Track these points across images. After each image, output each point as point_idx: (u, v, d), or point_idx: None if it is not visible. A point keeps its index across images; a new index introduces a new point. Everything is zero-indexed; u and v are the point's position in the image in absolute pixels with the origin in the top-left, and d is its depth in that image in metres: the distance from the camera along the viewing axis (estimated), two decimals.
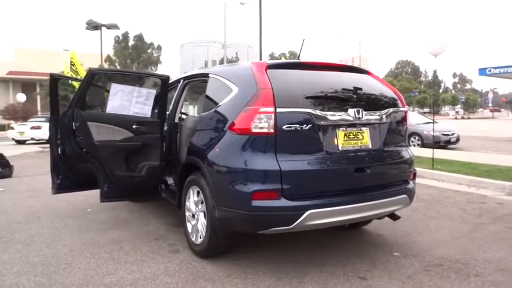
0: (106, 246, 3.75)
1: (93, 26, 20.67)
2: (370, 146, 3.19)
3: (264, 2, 14.39)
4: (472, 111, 73.38)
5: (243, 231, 3.18)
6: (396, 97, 3.52)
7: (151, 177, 4.19)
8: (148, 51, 50.64)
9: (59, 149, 4.17)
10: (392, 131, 3.37)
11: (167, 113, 4.42)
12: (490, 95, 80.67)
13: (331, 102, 3.09)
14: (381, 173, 3.24)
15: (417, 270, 3.14)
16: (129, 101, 4.02)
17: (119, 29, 20.94)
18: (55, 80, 4.19)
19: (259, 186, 2.78)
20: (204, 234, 3.31)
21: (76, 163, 4.14)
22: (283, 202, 2.78)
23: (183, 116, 4.81)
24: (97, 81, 4.30)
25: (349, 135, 3.10)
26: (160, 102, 4.23)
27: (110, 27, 20.84)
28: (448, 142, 13.87)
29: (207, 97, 3.60)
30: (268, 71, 3.07)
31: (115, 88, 3.94)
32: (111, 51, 47.05)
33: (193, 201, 3.54)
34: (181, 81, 4.39)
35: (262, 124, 2.82)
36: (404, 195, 3.30)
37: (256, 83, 2.97)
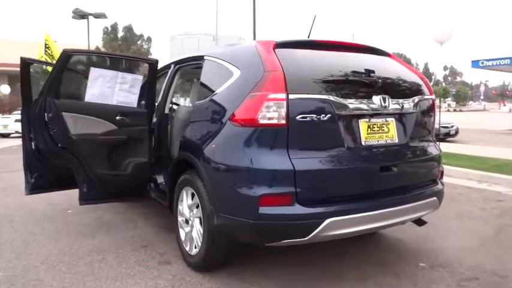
0: (85, 257, 3.23)
1: (80, 14, 19.91)
2: (397, 140, 2.70)
3: None
4: (462, 104, 73.53)
5: (248, 242, 2.68)
6: (422, 83, 3.03)
7: (138, 176, 3.66)
8: (138, 42, 49.53)
9: (33, 143, 3.62)
10: (419, 123, 2.89)
11: (156, 102, 3.88)
12: (482, 88, 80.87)
13: (352, 87, 2.59)
14: (409, 172, 2.76)
15: (450, 286, 2.68)
16: (111, 89, 3.48)
17: (106, 18, 20.17)
18: (26, 64, 3.62)
19: (268, 189, 2.28)
20: (200, 244, 2.80)
21: (52, 160, 3.59)
22: (298, 209, 2.28)
23: (175, 107, 4.28)
24: (74, 66, 3.73)
25: (373, 127, 2.60)
26: (148, 90, 3.69)
27: (97, 16, 20.08)
28: (448, 135, 13.58)
29: (202, 84, 3.08)
30: (276, 50, 2.56)
31: (94, 73, 3.40)
32: (100, 42, 45.91)
33: (186, 204, 3.03)
34: (172, 66, 3.85)
35: (272, 114, 2.32)
36: (434, 198, 2.83)
37: (262, 64, 2.45)
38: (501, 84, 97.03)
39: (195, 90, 3.59)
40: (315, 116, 2.36)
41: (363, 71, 2.69)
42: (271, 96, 2.32)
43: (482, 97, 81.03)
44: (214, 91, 2.82)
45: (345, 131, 2.48)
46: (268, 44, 2.62)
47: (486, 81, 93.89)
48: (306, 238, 2.30)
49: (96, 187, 3.55)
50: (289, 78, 2.35)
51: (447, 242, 3.52)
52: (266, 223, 2.29)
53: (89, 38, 20.21)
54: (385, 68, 2.93)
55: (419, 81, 3.03)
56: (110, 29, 48.40)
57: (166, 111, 3.89)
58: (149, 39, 50.82)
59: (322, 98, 2.40)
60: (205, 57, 3.18)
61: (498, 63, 19.05)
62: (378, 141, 2.61)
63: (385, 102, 2.60)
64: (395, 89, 2.80)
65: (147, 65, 3.63)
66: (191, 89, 4.42)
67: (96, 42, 43.84)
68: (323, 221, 2.26)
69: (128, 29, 49.20)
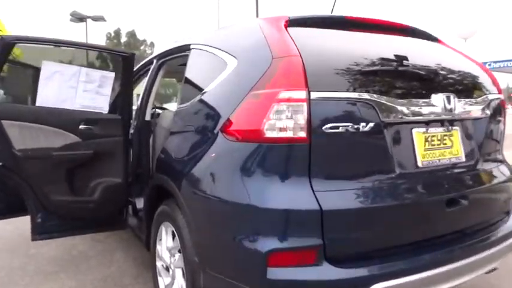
0: None
1: (78, 17, 19.33)
2: (463, 159, 1.88)
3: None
4: None
5: None
6: (488, 77, 2.20)
7: (110, 201, 2.85)
8: (141, 48, 49.35)
9: None
10: (488, 132, 2.06)
11: (134, 107, 3.08)
12: None
13: (401, 82, 1.77)
14: (481, 204, 1.92)
15: None
16: (72, 89, 2.67)
17: (105, 21, 19.53)
18: None
19: (281, 241, 1.46)
20: None
21: None
22: (327, 270, 1.45)
23: (159, 111, 3.47)
24: (19, 59, 2.94)
25: (432, 139, 1.77)
26: (123, 90, 2.89)
27: (96, 19, 19.50)
28: None
29: (188, 81, 2.27)
30: (289, 29, 1.74)
31: (48, 68, 2.59)
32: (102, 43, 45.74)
33: (165, 246, 2.21)
34: (155, 61, 3.05)
35: (285, 122, 1.50)
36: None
37: (270, 48, 1.64)
38: (505, 87, 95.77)
39: (180, 90, 2.79)
40: (350, 125, 1.53)
41: (414, 59, 1.87)
42: (284, 95, 1.50)
43: None
44: (202, 90, 2.02)
45: (394, 148, 1.65)
46: (277, 20, 1.81)
47: None
48: None
49: (54, 217, 2.73)
50: (311, 68, 1.54)
51: None
52: None
53: (87, 41, 19.54)
54: (439, 56, 2.11)
55: (484, 75, 2.19)
56: (113, 34, 48.35)
57: (148, 117, 3.09)
58: (152, 44, 50.65)
59: (361, 98, 1.57)
60: (191, 46, 2.37)
61: (506, 65, 18.83)
62: (439, 160, 1.78)
63: (449, 103, 1.77)
64: (458, 85, 1.97)
65: (120, 59, 2.82)
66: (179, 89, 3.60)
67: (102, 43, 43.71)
68: None
69: (131, 34, 49.33)
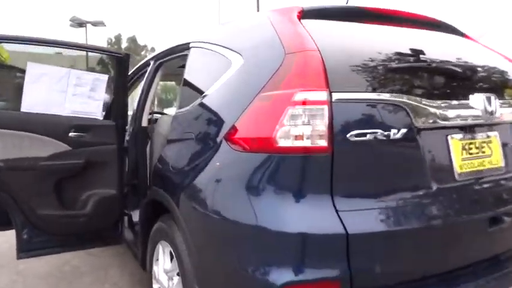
0: None
1: (78, 23, 19.23)
2: (504, 169, 1.63)
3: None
4: None
5: None
6: None
7: (103, 215, 2.61)
8: (142, 53, 49.35)
9: None
10: None
11: (129, 112, 2.86)
12: None
13: (434, 81, 1.53)
14: None
15: None
16: (61, 93, 2.44)
17: (105, 26, 19.38)
18: None
19: (298, 272, 1.21)
20: None
21: None
22: None
23: (157, 116, 3.24)
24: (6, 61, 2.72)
25: (470, 147, 1.53)
26: (117, 94, 2.66)
27: (95, 24, 19.38)
28: None
29: (187, 82, 2.04)
30: (303, 21, 1.50)
31: (34, 70, 2.36)
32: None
33: (163, 268, 1.96)
34: (152, 63, 2.82)
35: (302, 129, 1.26)
36: None
37: (282, 42, 1.41)
38: None
39: (179, 93, 2.55)
40: (379, 132, 1.29)
41: (446, 55, 1.63)
42: (300, 96, 1.27)
43: None
44: (202, 92, 1.78)
45: (429, 158, 1.41)
46: (289, 11, 1.57)
47: None
48: None
49: (42, 233, 2.49)
50: (331, 65, 1.30)
51: None
52: None
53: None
54: (472, 53, 1.87)
55: None
56: (113, 39, 48.37)
57: (145, 123, 2.85)
58: (153, 50, 50.55)
59: (390, 100, 1.34)
60: (191, 45, 2.14)
61: None
62: (478, 171, 1.53)
63: (490, 105, 1.53)
64: (496, 84, 1.73)
65: (114, 60, 2.59)
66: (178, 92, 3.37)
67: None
68: None
69: (132, 40, 49.46)
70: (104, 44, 47.95)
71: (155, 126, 2.88)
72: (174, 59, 2.55)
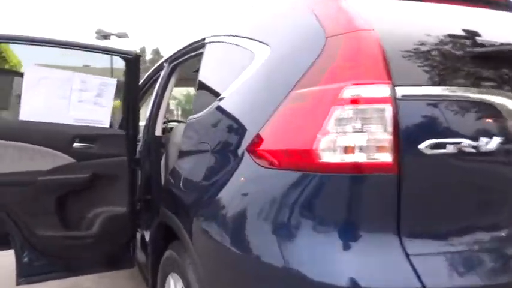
0: None
1: (103, 35, 19.57)
2: None
3: None
4: None
5: None
6: None
7: (112, 235, 2.33)
8: None
9: None
10: None
11: (141, 121, 2.57)
12: None
13: None
14: None
15: None
16: (64, 99, 2.18)
17: (128, 37, 19.64)
18: None
19: None
20: None
21: None
22: None
23: (172, 125, 2.94)
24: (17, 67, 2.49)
25: None
26: (127, 100, 2.38)
27: (120, 36, 19.69)
28: None
29: (201, 84, 1.73)
30: None
31: (33, 74, 2.11)
32: None
33: None
34: (166, 66, 2.53)
35: (352, 138, 0.91)
36: None
37: (320, 23, 1.06)
38: None
39: (194, 97, 2.23)
40: (465, 142, 0.92)
41: None
42: (351, 92, 0.92)
43: None
44: (219, 94, 1.46)
45: None
46: None
47: None
48: None
49: (43, 256, 2.22)
50: (392, 50, 0.95)
51: None
52: None
53: (112, 60, 19.65)
54: None
55: None
56: (138, 52, 49.71)
57: (158, 132, 2.55)
58: None
59: (479, 98, 0.96)
60: (207, 40, 1.83)
61: None
62: None
63: None
64: None
65: (123, 61, 2.31)
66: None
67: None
68: None
69: (156, 52, 50.60)
70: None
71: (170, 136, 2.58)
72: (189, 59, 2.25)
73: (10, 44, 2.67)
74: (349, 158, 0.91)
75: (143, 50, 50.44)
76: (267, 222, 1.03)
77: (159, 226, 1.80)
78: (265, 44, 1.27)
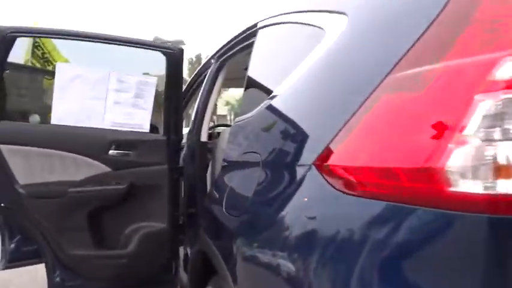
0: None
1: (160, 42, 20.27)
2: None
3: None
4: None
5: None
6: None
7: (151, 254, 2.06)
8: None
9: None
10: None
11: (184, 126, 2.28)
12: None
13: None
14: None
15: None
16: (99, 100, 1.94)
17: (184, 44, 20.03)
18: None
19: None
20: None
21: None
22: None
23: (219, 130, 2.62)
24: (36, 57, 2.31)
25: None
26: (169, 101, 2.10)
27: (176, 43, 20.21)
28: None
29: (250, 80, 1.38)
30: None
31: (65, 73, 1.89)
32: (186, 72, 48.15)
33: None
34: (213, 63, 2.23)
35: None
36: None
37: None
38: None
39: (242, 95, 1.89)
40: None
41: None
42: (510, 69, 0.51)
43: None
44: (270, 92, 1.10)
45: None
46: None
47: None
48: None
49: (77, 277, 1.99)
50: None
51: None
52: None
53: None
54: None
55: None
56: (194, 59, 50.65)
57: (204, 138, 2.25)
58: None
59: None
60: (259, 25, 1.48)
61: None
62: None
63: None
64: None
65: (163, 56, 2.03)
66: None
67: (184, 73, 46.03)
68: None
69: None
70: (184, 64, 50.59)
71: (217, 142, 2.27)
72: (239, 53, 1.92)
73: (57, 45, 2.48)
74: (505, 187, 0.50)
75: (199, 57, 51.53)
76: (345, 274, 0.66)
77: (198, 254, 1.47)
78: (341, 13, 0.89)
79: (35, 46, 2.89)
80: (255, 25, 1.54)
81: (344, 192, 0.70)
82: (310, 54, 0.96)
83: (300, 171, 0.83)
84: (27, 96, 2.25)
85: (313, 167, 0.77)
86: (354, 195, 0.69)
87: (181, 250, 2.26)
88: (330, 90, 0.85)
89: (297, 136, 0.92)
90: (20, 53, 2.40)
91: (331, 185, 0.73)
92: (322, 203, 0.77)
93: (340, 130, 0.73)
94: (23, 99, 2.19)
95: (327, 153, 0.75)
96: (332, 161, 0.73)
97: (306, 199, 0.82)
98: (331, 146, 0.74)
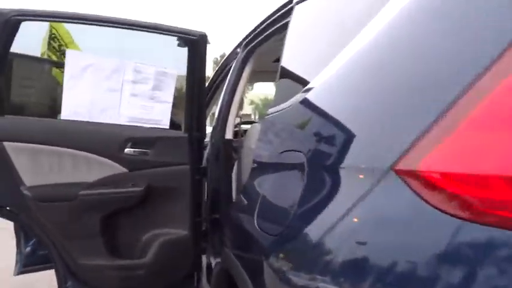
0: None
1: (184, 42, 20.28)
2: None
3: None
4: None
5: None
6: None
7: (171, 265, 1.86)
8: None
9: None
10: None
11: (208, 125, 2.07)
12: None
13: None
14: None
15: None
16: (114, 92, 1.75)
17: (209, 43, 19.95)
18: None
19: None
20: None
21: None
22: None
23: (246, 127, 2.39)
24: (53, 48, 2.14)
25: None
26: (191, 94, 1.88)
27: None
28: None
29: (284, 70, 1.14)
30: None
31: (76, 61, 1.70)
32: (209, 73, 48.38)
33: None
34: (240, 51, 2.00)
35: None
36: None
37: None
38: None
39: (275, 85, 1.63)
40: None
41: None
42: None
43: None
44: (306, 83, 0.86)
45: None
46: None
47: None
48: None
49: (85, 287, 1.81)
50: None
51: None
52: None
53: None
54: None
55: None
56: (219, 58, 50.94)
57: (229, 135, 2.02)
58: None
59: None
60: (295, 1, 1.24)
61: None
62: None
63: None
64: None
65: (183, 44, 1.82)
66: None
67: (208, 72, 46.30)
68: None
69: None
70: (209, 63, 50.83)
71: (244, 140, 2.04)
72: (270, 37, 1.68)
73: (75, 37, 2.31)
74: None
75: (223, 56, 51.88)
76: None
77: (222, 272, 1.24)
78: None
79: (52, 38, 2.72)
80: (291, 1, 1.29)
81: (446, 212, 0.46)
82: (370, 24, 0.71)
83: (367, 177, 0.58)
84: (36, 88, 2.08)
85: (392, 173, 0.52)
86: (463, 218, 0.44)
87: (204, 259, 2.05)
88: (408, 71, 0.60)
89: (362, 129, 0.67)
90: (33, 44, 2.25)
91: (421, 196, 0.48)
92: (405, 223, 0.52)
93: (428, 127, 0.48)
94: (31, 91, 2.02)
95: (408, 155, 0.50)
96: (425, 166, 0.49)
97: (376, 215, 0.58)
98: (411, 149, 0.50)
